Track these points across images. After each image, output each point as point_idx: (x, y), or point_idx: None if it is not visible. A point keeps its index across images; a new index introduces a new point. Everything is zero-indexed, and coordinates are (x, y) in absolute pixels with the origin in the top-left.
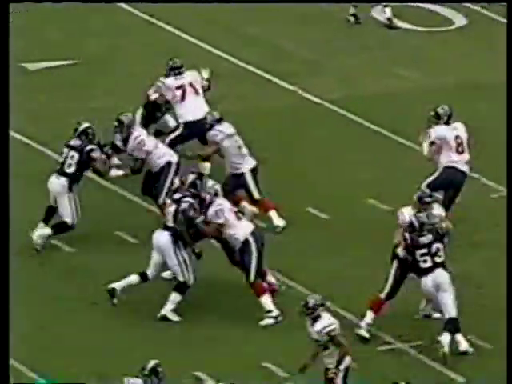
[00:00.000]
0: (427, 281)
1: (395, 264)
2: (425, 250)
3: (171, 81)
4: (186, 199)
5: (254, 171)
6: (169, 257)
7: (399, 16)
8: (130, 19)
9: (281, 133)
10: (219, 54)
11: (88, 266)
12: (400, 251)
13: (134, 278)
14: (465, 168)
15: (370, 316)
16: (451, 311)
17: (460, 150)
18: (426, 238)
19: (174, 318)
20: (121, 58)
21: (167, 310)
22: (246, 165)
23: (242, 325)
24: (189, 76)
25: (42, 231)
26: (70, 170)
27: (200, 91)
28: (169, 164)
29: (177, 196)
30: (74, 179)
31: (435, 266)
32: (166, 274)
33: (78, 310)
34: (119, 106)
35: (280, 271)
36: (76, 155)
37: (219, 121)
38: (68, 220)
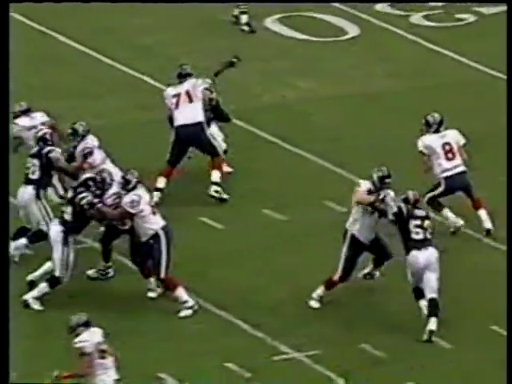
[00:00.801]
0: (419, 256)
1: (347, 242)
2: (418, 222)
3: (170, 90)
4: (81, 195)
5: None
6: (56, 250)
7: (294, 26)
8: (20, 28)
9: None
10: (114, 64)
11: None
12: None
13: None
14: (461, 168)
15: (321, 289)
16: (433, 292)
17: (449, 156)
18: (420, 212)
19: (36, 305)
20: (10, 67)
21: (31, 295)
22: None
23: (138, 335)
24: (187, 84)
25: (16, 243)
26: (35, 176)
27: (195, 99)
28: None
29: (70, 194)
30: (40, 185)
31: (427, 241)
32: (91, 273)
33: None
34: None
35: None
36: (37, 161)
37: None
38: (43, 227)
